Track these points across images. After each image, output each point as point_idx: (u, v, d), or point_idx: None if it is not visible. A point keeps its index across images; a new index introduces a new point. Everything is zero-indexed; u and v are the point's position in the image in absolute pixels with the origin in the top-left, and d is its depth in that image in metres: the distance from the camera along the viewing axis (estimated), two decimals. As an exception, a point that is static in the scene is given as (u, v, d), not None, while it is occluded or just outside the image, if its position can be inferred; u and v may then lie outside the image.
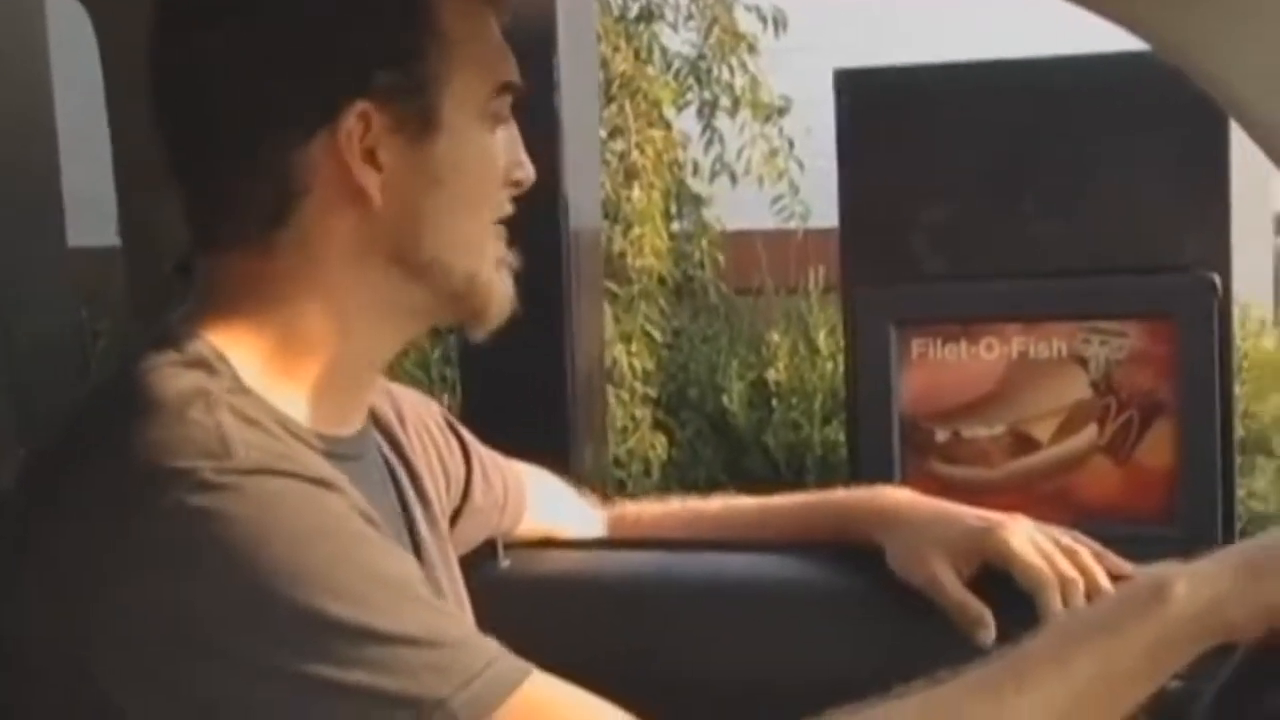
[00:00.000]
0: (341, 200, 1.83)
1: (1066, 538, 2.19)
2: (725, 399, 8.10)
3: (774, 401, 7.97)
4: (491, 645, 1.70)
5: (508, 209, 1.97)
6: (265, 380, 1.81)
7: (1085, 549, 2.17)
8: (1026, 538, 2.16)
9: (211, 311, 1.84)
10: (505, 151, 1.94)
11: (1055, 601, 2.08)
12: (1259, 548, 1.80)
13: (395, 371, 2.39)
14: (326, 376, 1.88)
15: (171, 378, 1.72)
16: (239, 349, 1.81)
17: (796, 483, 6.87)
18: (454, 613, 1.83)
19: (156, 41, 1.88)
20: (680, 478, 7.37)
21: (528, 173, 1.96)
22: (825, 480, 6.12)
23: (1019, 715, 1.69)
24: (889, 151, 3.90)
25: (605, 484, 3.93)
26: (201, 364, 1.76)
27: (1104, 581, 2.12)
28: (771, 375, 8.01)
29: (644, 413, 7.65)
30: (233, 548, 1.61)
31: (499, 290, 1.93)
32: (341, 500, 1.71)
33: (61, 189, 5.23)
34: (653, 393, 7.80)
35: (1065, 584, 2.10)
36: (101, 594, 1.65)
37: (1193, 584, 1.75)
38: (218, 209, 1.87)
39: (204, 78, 1.85)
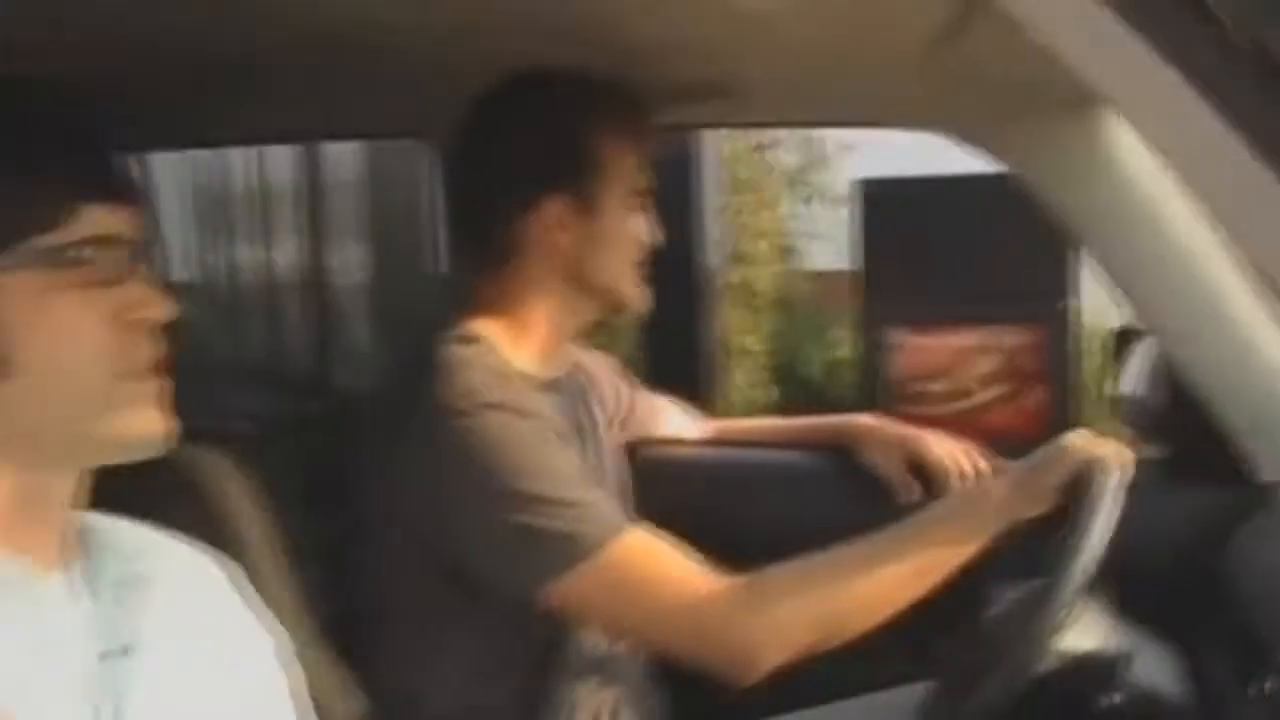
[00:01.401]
0: (543, 249, 1.82)
1: (961, 445, 2.08)
2: (810, 369, 8.09)
3: (840, 371, 7.90)
4: (618, 509, 1.73)
5: (641, 258, 1.89)
6: (506, 347, 1.81)
7: (972, 451, 2.06)
8: (939, 443, 2.09)
9: (479, 308, 1.84)
10: (639, 228, 1.88)
11: (953, 481, 2.02)
12: (1033, 463, 1.71)
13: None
14: (541, 344, 1.87)
15: (455, 350, 1.74)
16: (491, 329, 1.81)
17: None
18: (600, 489, 1.78)
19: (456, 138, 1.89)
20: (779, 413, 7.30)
21: (654, 240, 1.90)
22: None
23: (886, 573, 1.65)
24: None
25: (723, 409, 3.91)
26: (471, 340, 1.77)
27: (982, 470, 2.02)
28: (839, 355, 7.90)
29: (761, 376, 7.66)
30: (478, 450, 1.65)
31: (632, 297, 1.88)
32: (539, 424, 1.71)
33: (436, 227, 5.19)
34: (767, 364, 7.81)
35: (959, 471, 2.03)
36: (422, 478, 1.69)
37: (999, 488, 1.74)
38: (478, 249, 1.89)
39: (469, 174, 1.88)
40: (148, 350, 1.08)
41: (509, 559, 1.65)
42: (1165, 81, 0.79)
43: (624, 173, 1.84)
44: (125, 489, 1.14)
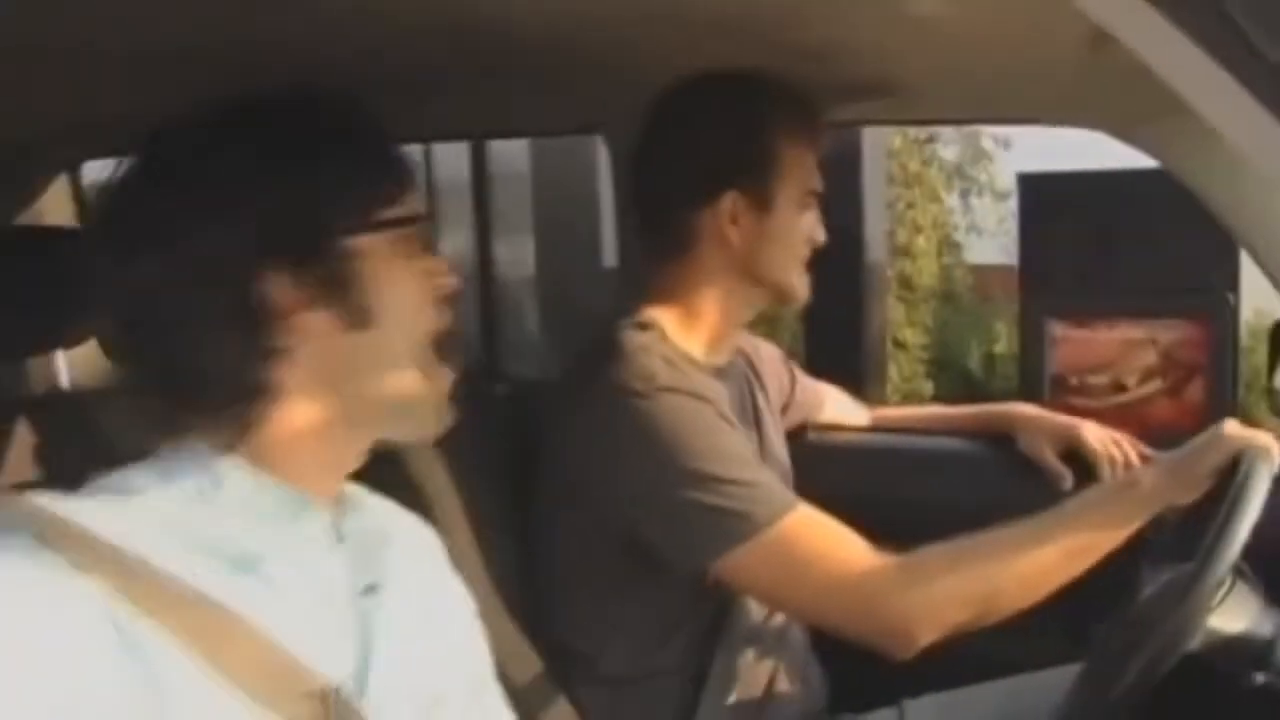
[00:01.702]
0: (717, 242, 1.87)
1: (1115, 435, 2.13)
2: (969, 362, 8.07)
3: (996, 364, 7.90)
4: (786, 490, 1.77)
5: (808, 254, 1.93)
6: (679, 334, 1.86)
7: (1125, 440, 2.11)
8: (1093, 432, 2.12)
9: (653, 297, 1.90)
10: (809, 225, 1.92)
11: (1106, 469, 2.07)
12: (1186, 451, 1.73)
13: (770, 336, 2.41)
14: (711, 332, 1.91)
15: (632, 336, 1.79)
16: (665, 317, 1.86)
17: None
18: (769, 470, 1.82)
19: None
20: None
21: (821, 238, 1.94)
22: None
23: (1040, 555, 1.66)
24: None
25: (884, 399, 3.91)
26: (647, 327, 1.82)
27: (1135, 459, 2.07)
28: (996, 349, 7.95)
29: (919, 368, 7.64)
30: (655, 431, 1.70)
31: (799, 290, 1.92)
32: (711, 407, 1.75)
33: (600, 221, 4.96)
34: (926, 356, 7.80)
35: (1112, 460, 2.07)
36: (601, 456, 1.75)
37: (1151, 475, 1.74)
38: (655, 241, 1.94)
39: (650, 170, 1.93)
40: (443, 316, 1.24)
41: (683, 533, 1.70)
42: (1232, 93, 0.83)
43: (799, 171, 1.89)
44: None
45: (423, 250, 1.23)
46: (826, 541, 1.70)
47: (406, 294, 1.21)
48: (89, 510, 1.06)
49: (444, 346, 1.24)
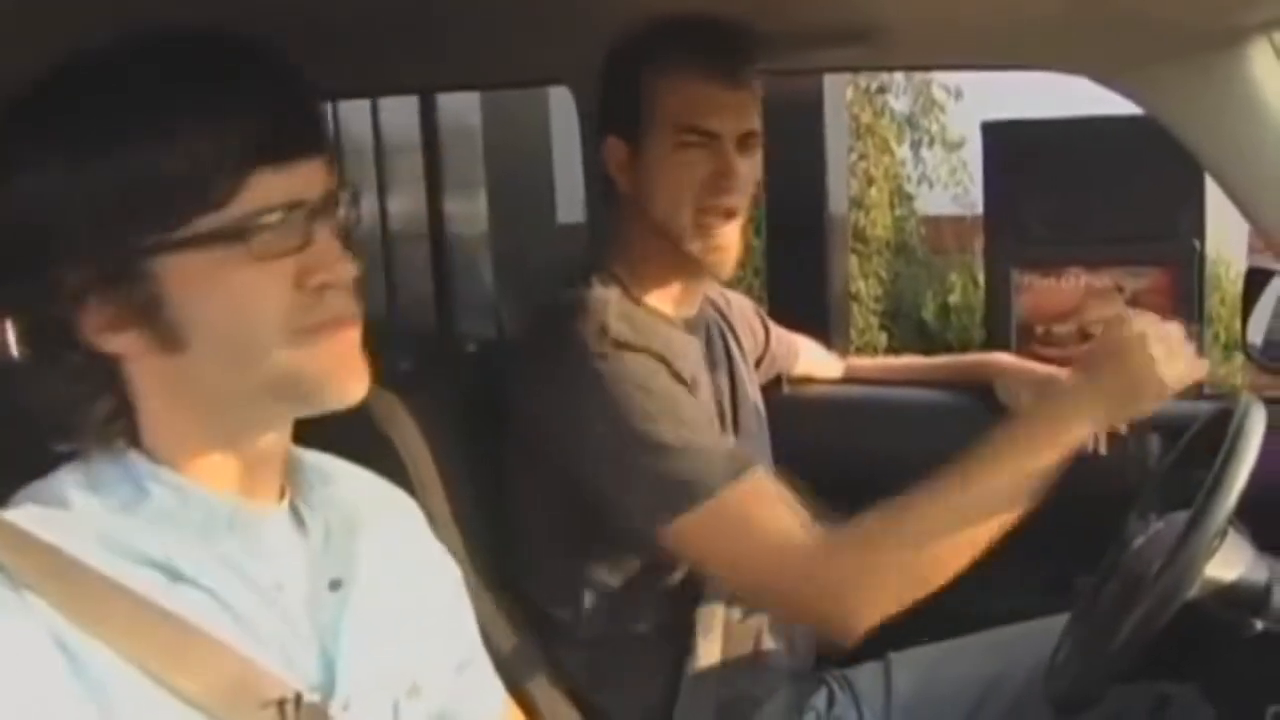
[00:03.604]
0: (619, 190, 1.85)
1: None
2: (923, 313, 8.08)
3: (951, 315, 7.94)
4: (740, 453, 1.71)
5: (716, 201, 1.80)
6: (639, 288, 1.84)
7: None
8: None
9: (611, 251, 1.88)
10: (692, 165, 1.79)
11: None
12: (1089, 355, 1.65)
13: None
14: (664, 285, 1.87)
15: (594, 293, 1.77)
16: (622, 269, 1.84)
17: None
18: (720, 434, 1.81)
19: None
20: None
21: (734, 188, 1.80)
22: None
23: (964, 504, 1.56)
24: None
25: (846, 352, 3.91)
26: (608, 282, 1.80)
27: None
28: (951, 300, 7.96)
29: (873, 320, 7.64)
30: (609, 391, 1.66)
31: (687, 236, 1.81)
32: (666, 368, 1.72)
33: (553, 177, 4.97)
34: (879, 308, 7.80)
35: None
36: (560, 415, 1.71)
37: (1069, 389, 1.64)
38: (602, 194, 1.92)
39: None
40: (332, 308, 1.03)
41: (635, 498, 1.66)
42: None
43: (672, 107, 1.80)
44: (304, 426, 1.15)
45: (291, 246, 1.00)
46: (766, 514, 1.64)
47: (244, 305, 1.00)
48: (23, 523, 0.97)
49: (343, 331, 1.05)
